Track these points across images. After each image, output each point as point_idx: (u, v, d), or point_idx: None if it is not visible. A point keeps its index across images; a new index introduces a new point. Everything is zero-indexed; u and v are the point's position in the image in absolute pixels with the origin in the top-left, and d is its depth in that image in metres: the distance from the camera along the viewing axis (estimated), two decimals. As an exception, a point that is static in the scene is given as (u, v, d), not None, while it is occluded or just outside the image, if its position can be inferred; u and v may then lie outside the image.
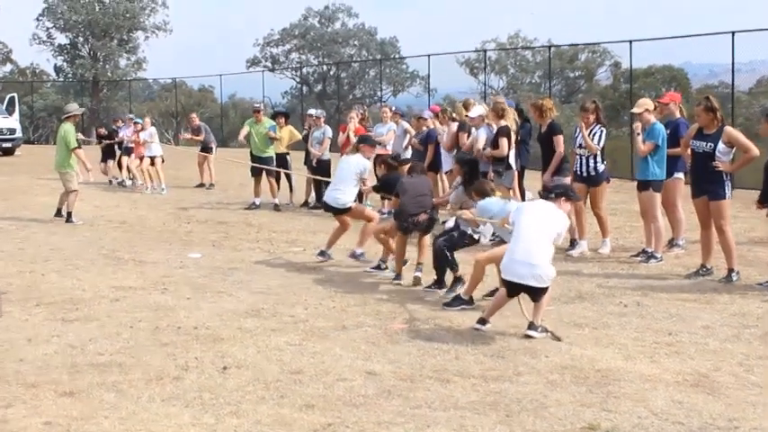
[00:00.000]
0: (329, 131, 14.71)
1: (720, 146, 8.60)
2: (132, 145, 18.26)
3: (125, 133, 18.87)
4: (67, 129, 13.32)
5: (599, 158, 10.06)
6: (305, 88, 47.35)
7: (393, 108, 14.44)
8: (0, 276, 8.81)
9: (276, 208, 14.56)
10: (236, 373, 5.78)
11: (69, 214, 13.21)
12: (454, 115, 12.74)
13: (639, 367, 5.97)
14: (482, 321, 6.93)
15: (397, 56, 49.68)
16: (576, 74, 43.79)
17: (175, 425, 4.84)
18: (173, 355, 6.14)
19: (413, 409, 5.15)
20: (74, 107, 14.20)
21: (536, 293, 6.81)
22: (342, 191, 9.72)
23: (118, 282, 8.64)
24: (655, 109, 9.88)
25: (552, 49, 40.17)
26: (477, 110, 11.50)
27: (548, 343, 6.55)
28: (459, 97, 40.67)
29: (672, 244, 10.26)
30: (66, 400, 5.22)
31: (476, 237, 8.38)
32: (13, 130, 30.07)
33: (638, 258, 9.81)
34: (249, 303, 7.75)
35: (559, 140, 10.30)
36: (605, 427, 4.90)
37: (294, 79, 49.68)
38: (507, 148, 10.63)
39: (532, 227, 6.86)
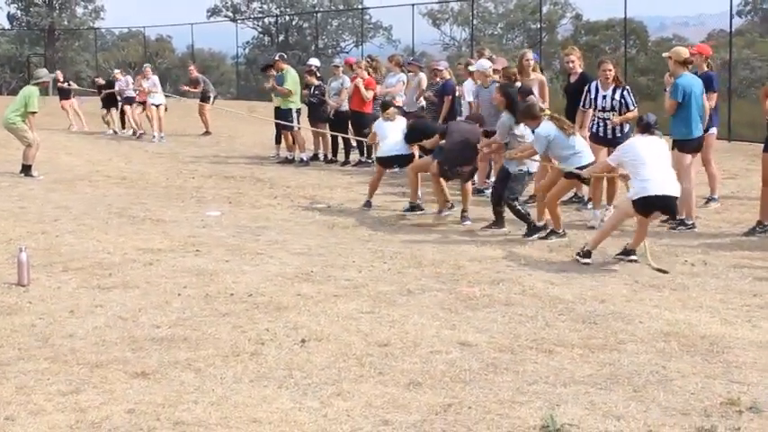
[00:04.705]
0: (347, 82, 14.03)
1: None
2: (133, 94, 18.00)
3: (122, 83, 18.50)
4: (32, 91, 12.75)
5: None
6: (267, 38, 46.04)
7: (397, 59, 14.22)
8: (10, 239, 8.08)
9: (286, 161, 14.34)
10: (318, 346, 5.22)
11: (29, 167, 12.39)
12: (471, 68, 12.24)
13: (744, 333, 5.56)
14: (587, 254, 7.35)
15: (359, 6, 48.65)
16: (538, 25, 43.37)
17: (278, 410, 4.28)
18: (239, 327, 5.54)
19: (530, 385, 4.66)
20: (44, 73, 13.67)
21: (674, 206, 7.44)
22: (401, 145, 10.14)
23: (143, 243, 7.96)
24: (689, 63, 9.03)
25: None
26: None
27: (634, 306, 6.11)
28: (421, 48, 40.19)
29: (708, 199, 9.96)
30: (141, 383, 4.61)
31: (525, 170, 8.59)
32: None
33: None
34: (295, 266, 7.16)
35: None
36: (745, 401, 4.46)
37: (256, 29, 48.36)
38: None
39: (654, 153, 7.28)
